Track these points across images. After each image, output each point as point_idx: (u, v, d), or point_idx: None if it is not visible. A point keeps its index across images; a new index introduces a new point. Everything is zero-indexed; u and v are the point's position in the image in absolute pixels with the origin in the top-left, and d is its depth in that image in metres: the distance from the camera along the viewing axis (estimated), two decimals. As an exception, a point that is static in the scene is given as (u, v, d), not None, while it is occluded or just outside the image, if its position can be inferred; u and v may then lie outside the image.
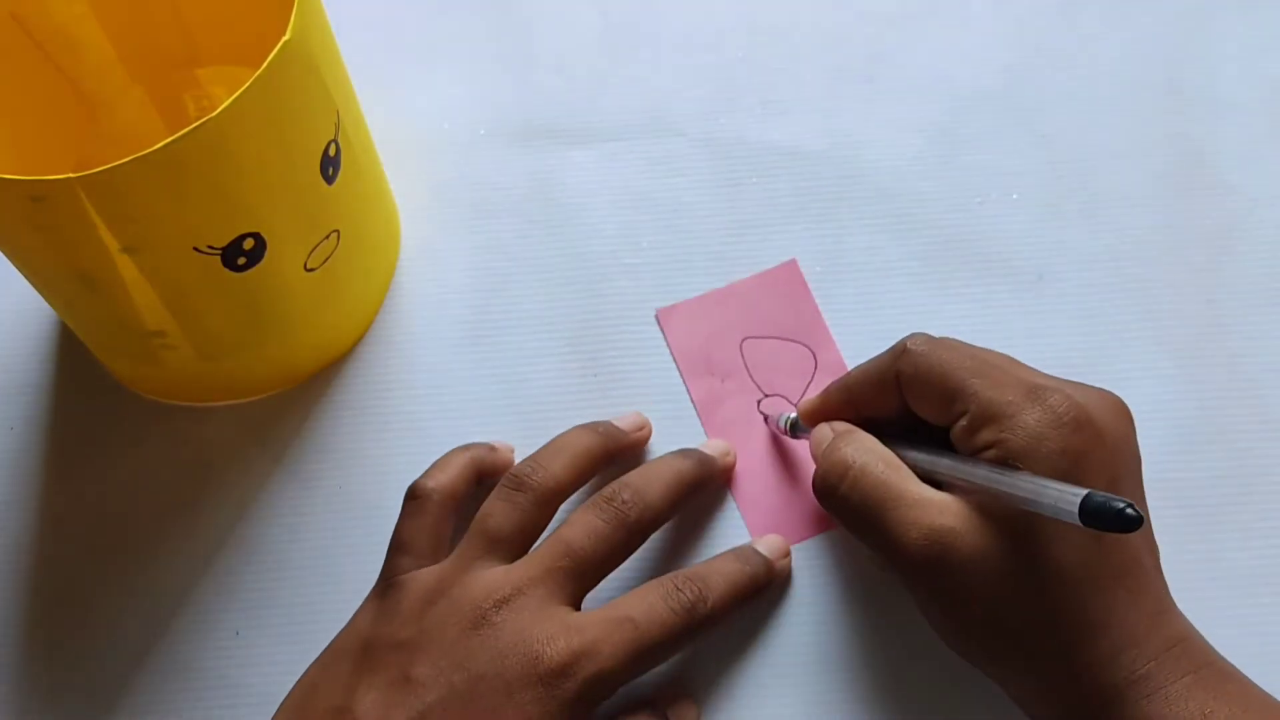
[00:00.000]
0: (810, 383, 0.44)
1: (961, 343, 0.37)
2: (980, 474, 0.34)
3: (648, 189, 0.48)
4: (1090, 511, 0.29)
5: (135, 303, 0.38)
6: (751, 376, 0.44)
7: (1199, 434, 0.42)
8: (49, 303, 0.43)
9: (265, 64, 0.33)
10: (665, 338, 0.45)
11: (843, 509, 0.37)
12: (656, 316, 0.45)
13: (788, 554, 0.41)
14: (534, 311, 0.46)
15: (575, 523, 0.37)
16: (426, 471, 0.40)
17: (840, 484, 0.37)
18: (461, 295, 0.46)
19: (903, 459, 0.37)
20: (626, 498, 0.38)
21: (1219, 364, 0.44)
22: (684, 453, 0.41)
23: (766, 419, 0.43)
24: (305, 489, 0.43)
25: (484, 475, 0.41)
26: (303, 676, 0.37)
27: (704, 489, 0.41)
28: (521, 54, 0.52)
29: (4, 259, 0.40)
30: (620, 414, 0.43)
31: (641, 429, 0.42)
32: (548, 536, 0.38)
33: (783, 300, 0.45)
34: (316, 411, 0.45)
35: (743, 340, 0.45)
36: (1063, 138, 0.48)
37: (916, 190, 0.47)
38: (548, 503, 0.38)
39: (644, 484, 0.38)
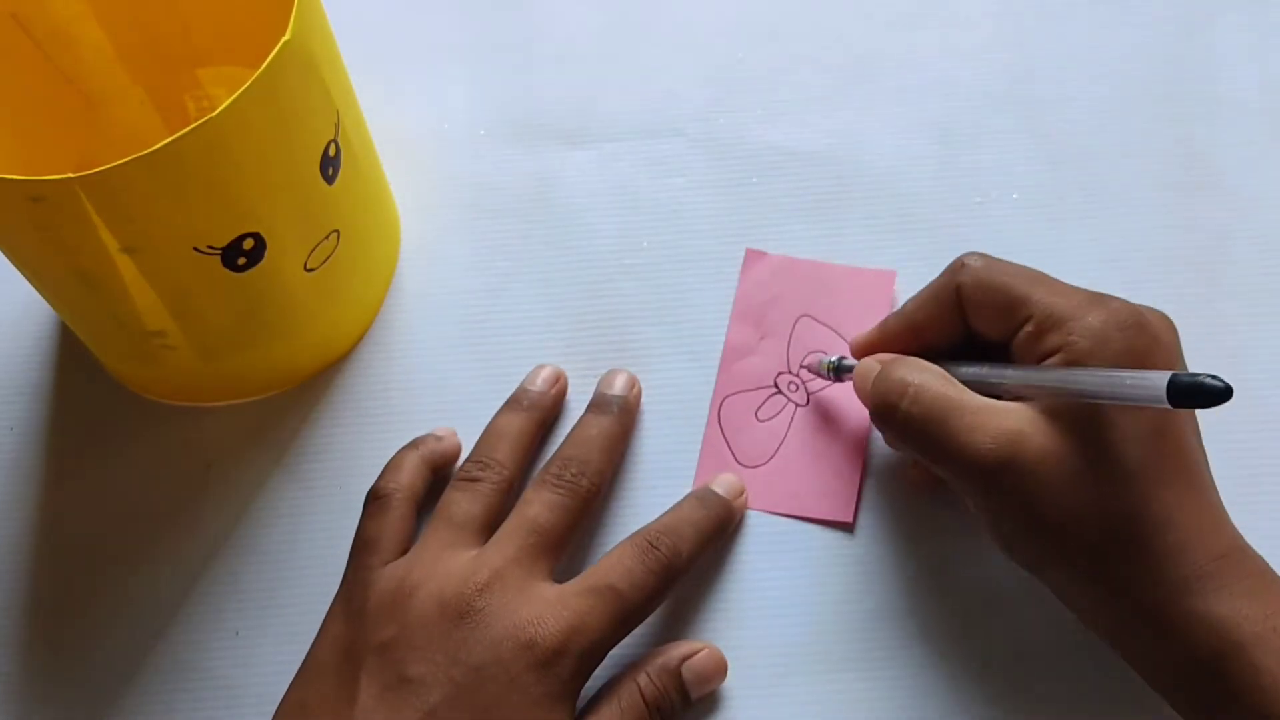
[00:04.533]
0: (839, 383, 0.43)
1: (1012, 262, 0.38)
2: (1051, 376, 0.35)
3: (648, 189, 0.48)
4: (1180, 390, 0.30)
5: (135, 303, 0.38)
6: (787, 349, 0.44)
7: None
8: (49, 303, 0.43)
9: (265, 64, 0.33)
10: (740, 274, 0.45)
11: (905, 428, 0.37)
12: (745, 252, 0.46)
13: (743, 491, 0.41)
14: (534, 312, 0.46)
15: (533, 500, 0.38)
16: (381, 475, 0.41)
17: (901, 401, 0.37)
18: (461, 295, 0.46)
19: (959, 377, 0.38)
20: (575, 470, 0.39)
21: (1219, 364, 0.43)
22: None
23: (804, 366, 0.44)
24: (305, 489, 0.43)
25: (437, 467, 0.42)
26: (284, 699, 0.36)
27: (626, 443, 0.43)
28: (521, 54, 0.52)
29: (4, 259, 0.40)
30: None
31: (556, 382, 0.43)
32: (509, 519, 0.38)
33: (860, 301, 0.45)
34: (316, 412, 0.45)
35: (800, 315, 0.45)
36: (1063, 138, 0.48)
37: (916, 190, 0.47)
38: (504, 490, 0.40)
39: (584, 454, 0.40)
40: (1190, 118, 0.48)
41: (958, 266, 0.38)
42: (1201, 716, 0.34)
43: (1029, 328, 0.36)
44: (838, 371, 0.42)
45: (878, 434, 0.43)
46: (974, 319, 0.38)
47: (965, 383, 0.37)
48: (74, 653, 0.41)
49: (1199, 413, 0.36)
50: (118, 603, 0.42)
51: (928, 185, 0.48)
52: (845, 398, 0.43)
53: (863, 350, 0.41)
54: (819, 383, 0.44)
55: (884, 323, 0.41)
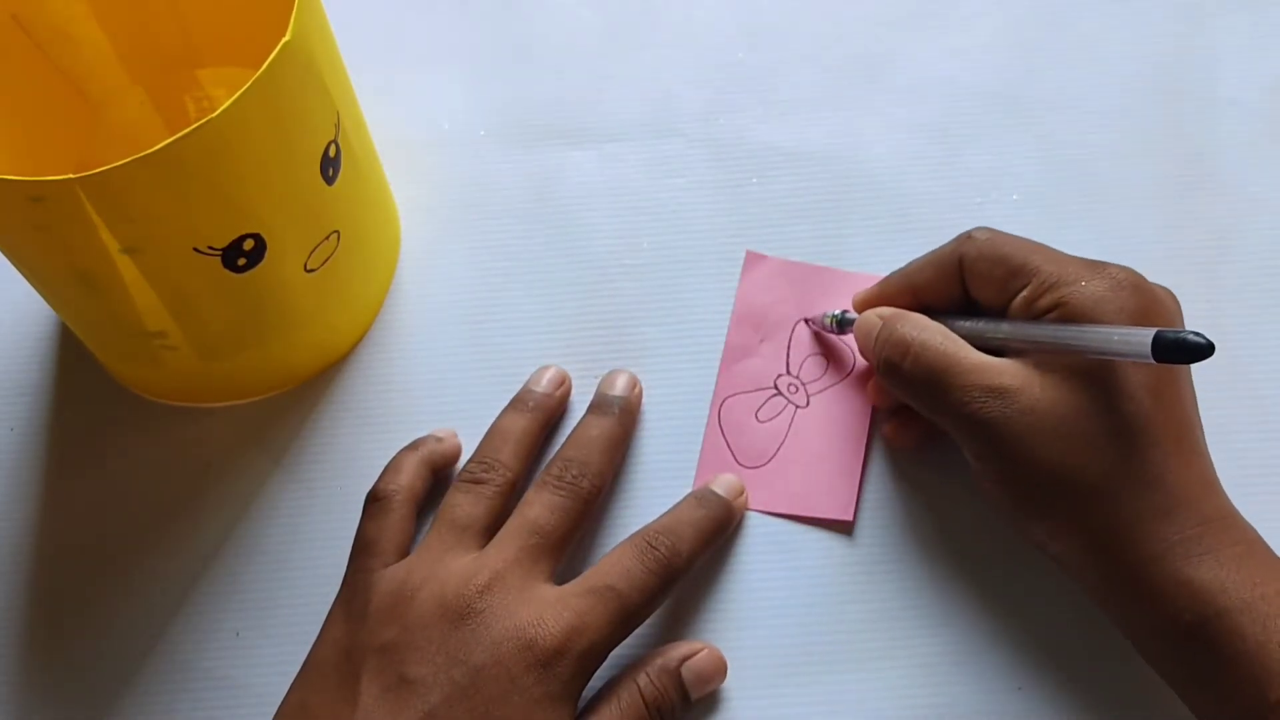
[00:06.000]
0: (839, 383, 0.44)
1: (1016, 235, 0.39)
2: (1045, 331, 0.36)
3: (648, 189, 0.48)
4: (1164, 345, 0.31)
5: (135, 304, 0.38)
6: (787, 352, 0.44)
7: (1199, 434, 0.42)
8: (49, 303, 0.43)
9: (265, 65, 0.33)
10: (740, 277, 0.46)
11: (907, 384, 0.39)
12: (745, 254, 0.46)
13: (742, 491, 0.42)
14: (534, 312, 0.46)
15: (534, 502, 0.38)
16: (381, 476, 0.41)
17: (903, 361, 0.38)
18: (461, 296, 0.46)
19: (957, 331, 0.38)
20: (575, 472, 0.39)
21: (1219, 364, 0.43)
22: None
23: (809, 321, 0.44)
24: (305, 490, 0.43)
25: (438, 469, 0.42)
26: (285, 700, 0.36)
27: (627, 445, 0.43)
28: (521, 54, 0.52)
29: (4, 259, 0.40)
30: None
31: (561, 384, 0.43)
32: (509, 521, 0.38)
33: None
34: (316, 412, 0.44)
35: (800, 320, 0.45)
36: (1063, 138, 0.48)
37: (916, 190, 0.47)
38: (508, 492, 0.40)
39: (585, 455, 0.40)
40: (1190, 118, 0.48)
41: (964, 238, 0.39)
42: (1186, 682, 0.34)
43: (1026, 292, 0.37)
44: (840, 325, 0.43)
45: (877, 435, 0.43)
46: (974, 287, 0.39)
47: (962, 336, 0.38)
48: (74, 653, 0.41)
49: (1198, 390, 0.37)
50: (118, 603, 0.42)
51: (928, 185, 0.48)
52: (845, 399, 0.43)
53: (863, 305, 0.43)
54: (818, 384, 0.44)
55: (885, 280, 0.42)
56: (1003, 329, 0.37)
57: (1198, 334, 0.31)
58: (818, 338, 0.45)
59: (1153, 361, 0.31)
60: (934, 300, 0.40)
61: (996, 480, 0.37)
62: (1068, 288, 0.36)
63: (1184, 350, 0.31)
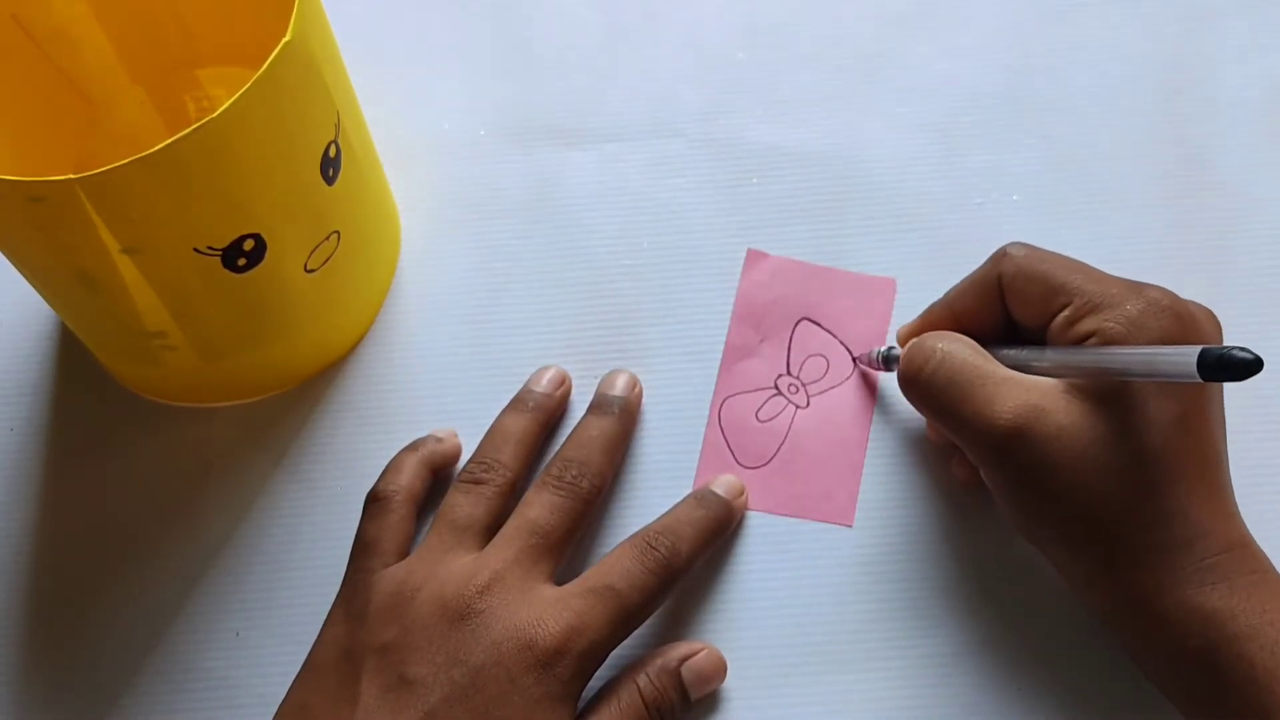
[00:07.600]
0: (839, 386, 0.44)
1: (1053, 251, 0.38)
2: (1087, 356, 0.35)
3: (648, 189, 0.48)
4: (1209, 362, 0.30)
5: (135, 304, 0.38)
6: (788, 352, 0.44)
7: (1199, 434, 0.42)
8: (49, 303, 0.43)
9: (265, 65, 0.33)
10: (741, 275, 0.45)
11: (927, 392, 0.38)
12: (746, 253, 0.46)
13: (743, 492, 0.41)
14: (534, 312, 0.46)
15: (534, 502, 0.38)
16: (381, 477, 0.41)
17: (925, 366, 0.38)
18: (461, 296, 0.46)
19: (998, 357, 0.38)
20: (575, 472, 0.39)
21: (1219, 364, 0.43)
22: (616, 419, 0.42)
23: (856, 359, 0.44)
24: (306, 490, 0.43)
25: (438, 469, 0.42)
26: (285, 700, 0.37)
27: (627, 445, 0.43)
28: (521, 54, 0.52)
29: (4, 259, 0.40)
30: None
31: (561, 384, 0.43)
32: (509, 521, 0.38)
33: (860, 307, 0.45)
34: (317, 412, 0.45)
35: (801, 319, 0.45)
36: (1063, 138, 0.48)
37: (916, 190, 0.47)
38: (508, 492, 0.40)
39: (586, 455, 0.40)
40: (1190, 118, 0.48)
41: (1000, 256, 0.39)
42: (1193, 707, 0.34)
43: (1065, 313, 0.36)
44: (887, 361, 0.42)
45: (877, 435, 0.43)
46: (1014, 307, 0.38)
47: (1005, 364, 0.37)
48: (74, 653, 0.41)
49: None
50: (118, 603, 0.42)
51: (928, 186, 0.48)
52: (846, 400, 0.43)
53: (907, 338, 0.42)
54: (819, 385, 0.44)
55: (927, 310, 0.42)
56: (1046, 356, 0.36)
57: (1243, 349, 0.29)
58: (816, 337, 0.45)
59: (1199, 381, 0.30)
60: (978, 326, 0.40)
61: (1010, 497, 0.36)
62: (1108, 311, 0.35)
63: (1229, 367, 0.29)
